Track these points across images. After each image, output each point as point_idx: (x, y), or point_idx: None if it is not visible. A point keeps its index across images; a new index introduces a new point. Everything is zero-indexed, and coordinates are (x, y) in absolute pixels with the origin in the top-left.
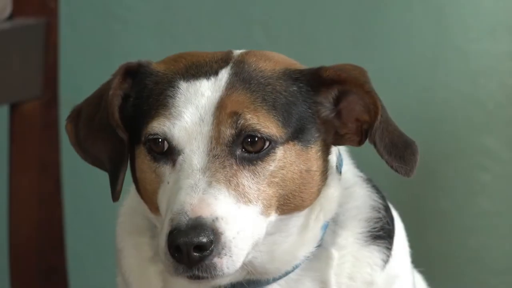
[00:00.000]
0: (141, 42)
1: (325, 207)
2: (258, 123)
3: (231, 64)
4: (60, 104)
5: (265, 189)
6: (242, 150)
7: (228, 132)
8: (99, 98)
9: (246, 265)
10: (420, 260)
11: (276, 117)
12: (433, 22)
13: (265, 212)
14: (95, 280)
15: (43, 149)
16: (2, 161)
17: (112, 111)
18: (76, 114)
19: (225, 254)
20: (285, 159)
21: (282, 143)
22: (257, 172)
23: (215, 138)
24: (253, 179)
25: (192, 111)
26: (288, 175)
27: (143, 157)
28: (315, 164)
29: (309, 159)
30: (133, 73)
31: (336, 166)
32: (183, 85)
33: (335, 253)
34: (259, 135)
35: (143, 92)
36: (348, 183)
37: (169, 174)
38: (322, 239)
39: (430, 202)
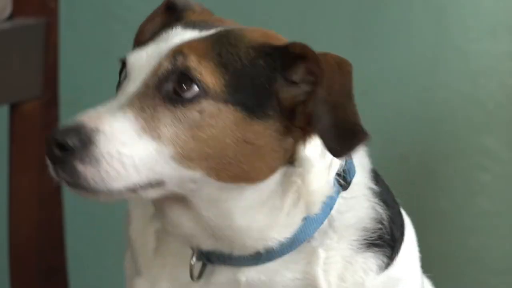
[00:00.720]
0: None
1: (305, 197)
2: (195, 66)
3: (226, 27)
4: (60, 104)
5: (186, 138)
6: (171, 88)
7: (165, 65)
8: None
9: (203, 225)
10: (420, 260)
11: (221, 75)
12: (433, 22)
13: (181, 161)
14: (95, 280)
15: (43, 149)
16: (2, 161)
17: (140, 37)
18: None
19: (90, 164)
20: (218, 118)
21: (216, 100)
22: (178, 116)
23: (155, 69)
24: (172, 121)
25: (160, 46)
26: (219, 137)
27: None
28: (262, 140)
29: (252, 132)
30: (172, 11)
31: (342, 173)
32: (177, 29)
33: (322, 252)
34: (188, 75)
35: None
36: (354, 194)
37: None
38: (312, 236)
39: (430, 202)
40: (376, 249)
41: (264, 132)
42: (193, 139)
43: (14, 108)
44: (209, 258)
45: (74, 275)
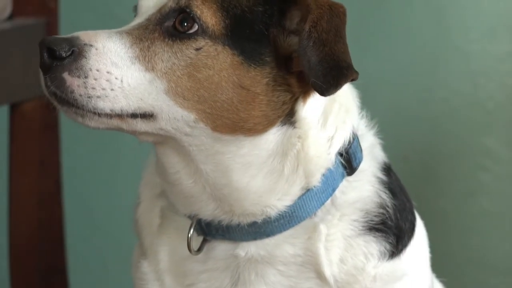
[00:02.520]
0: None
1: (303, 163)
2: (197, 6)
3: None
4: None
5: (181, 75)
6: (172, 25)
7: (169, 4)
8: None
9: (203, 183)
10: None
11: (222, 17)
12: (433, 22)
13: (174, 97)
14: (95, 280)
15: (43, 149)
16: (2, 161)
17: None
18: None
19: (78, 76)
20: (215, 60)
21: (214, 40)
22: (174, 50)
23: (160, 7)
24: (169, 56)
25: None
26: (214, 78)
27: None
28: (258, 87)
29: (248, 77)
30: None
31: (345, 152)
32: None
33: (323, 228)
34: (190, 14)
35: None
36: (360, 178)
37: None
38: (314, 213)
39: (430, 202)
40: (378, 234)
41: (261, 79)
42: (188, 77)
43: (14, 108)
44: (208, 231)
45: (74, 275)
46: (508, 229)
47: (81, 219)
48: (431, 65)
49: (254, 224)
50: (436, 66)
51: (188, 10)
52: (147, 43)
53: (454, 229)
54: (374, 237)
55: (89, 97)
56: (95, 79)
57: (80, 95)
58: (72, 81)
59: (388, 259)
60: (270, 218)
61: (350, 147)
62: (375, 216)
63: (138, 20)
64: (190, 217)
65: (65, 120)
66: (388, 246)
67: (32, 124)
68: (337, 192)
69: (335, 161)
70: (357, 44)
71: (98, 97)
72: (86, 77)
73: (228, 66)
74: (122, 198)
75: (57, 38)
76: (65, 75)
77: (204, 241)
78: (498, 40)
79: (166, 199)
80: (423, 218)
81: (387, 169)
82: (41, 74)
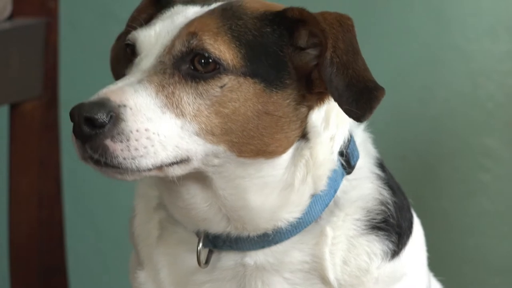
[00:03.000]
0: None
1: (312, 171)
2: (211, 44)
3: (227, 1)
4: (60, 104)
5: (209, 114)
6: (189, 66)
7: (179, 47)
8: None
9: (219, 205)
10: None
11: (237, 48)
12: (433, 22)
13: (204, 136)
14: (95, 280)
15: (43, 149)
16: (2, 161)
17: (126, 31)
18: (119, 37)
19: (121, 141)
20: (239, 92)
21: (236, 75)
22: (200, 92)
23: (168, 47)
24: (194, 97)
25: (166, 24)
26: (241, 110)
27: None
28: (281, 110)
29: (272, 103)
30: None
31: (345, 152)
32: (178, 7)
33: (329, 231)
34: (206, 55)
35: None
36: (358, 176)
37: None
38: (319, 216)
39: (430, 202)
40: (381, 232)
41: (283, 102)
42: (216, 114)
43: (14, 108)
44: (215, 243)
45: (74, 275)
46: (508, 229)
47: (81, 219)
48: (431, 65)
49: (264, 235)
50: (436, 66)
51: (203, 52)
52: (170, 89)
53: (454, 229)
54: (377, 236)
55: (133, 158)
56: (137, 140)
57: (124, 158)
58: (115, 147)
59: (390, 259)
60: (281, 229)
61: (348, 145)
62: (377, 214)
63: (147, 61)
64: (198, 232)
65: (65, 120)
66: (390, 245)
67: (32, 124)
68: (338, 192)
69: (337, 161)
70: None
71: (141, 156)
72: (128, 140)
73: (252, 96)
74: (122, 198)
75: (91, 104)
76: (108, 142)
77: (210, 252)
78: (498, 40)
79: (164, 211)
80: (423, 218)
81: (381, 165)
82: (74, 139)
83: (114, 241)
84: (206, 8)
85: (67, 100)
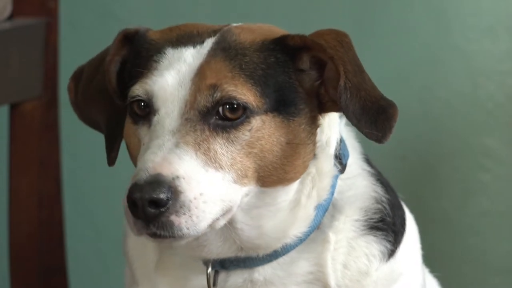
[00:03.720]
0: None
1: (317, 184)
2: (235, 90)
3: (217, 35)
4: (60, 104)
5: (241, 159)
6: (216, 117)
7: (203, 102)
8: (100, 60)
9: (234, 238)
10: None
11: (254, 87)
12: (433, 22)
13: (240, 181)
14: (95, 280)
15: (43, 149)
16: (2, 161)
17: (109, 78)
18: (79, 74)
19: (184, 213)
20: (263, 130)
21: (260, 114)
22: (231, 140)
23: (190, 102)
24: (227, 147)
25: (173, 74)
26: (267, 147)
27: (128, 121)
28: (298, 137)
29: (291, 132)
30: (131, 39)
31: (338, 154)
32: (169, 52)
33: (332, 236)
34: (235, 102)
35: (136, 59)
36: (351, 174)
37: (144, 136)
38: (320, 222)
39: (430, 202)
40: (378, 232)
41: (299, 128)
42: (247, 156)
43: (14, 108)
44: (223, 264)
45: (74, 275)
46: (508, 229)
47: (81, 219)
48: (431, 65)
49: (273, 252)
50: (436, 66)
51: (231, 101)
52: (205, 145)
53: (454, 229)
54: (375, 236)
55: (194, 226)
56: (196, 208)
57: (187, 228)
58: (180, 220)
59: (387, 259)
60: (289, 244)
61: (340, 145)
62: (374, 213)
63: (172, 120)
64: (206, 260)
65: (65, 120)
66: (388, 245)
67: (32, 124)
68: (335, 193)
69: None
70: (357, 44)
71: (201, 221)
72: (189, 210)
73: (274, 130)
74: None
75: (150, 186)
76: (173, 218)
77: (216, 273)
78: (498, 40)
79: None
80: (423, 218)
81: (368, 160)
82: (133, 220)
83: (114, 241)
84: (201, 49)
85: (67, 100)
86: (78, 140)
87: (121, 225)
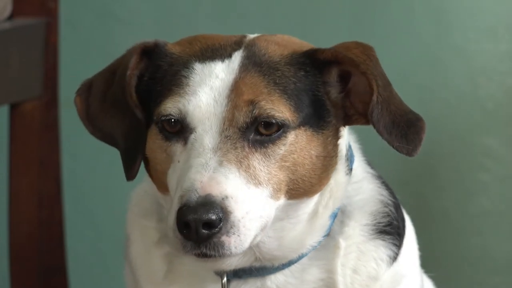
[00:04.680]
0: None
1: (334, 194)
2: (272, 108)
3: (243, 48)
4: (60, 104)
5: (276, 172)
6: (255, 133)
7: (242, 119)
8: (112, 73)
9: (254, 250)
10: (420, 260)
11: (288, 102)
12: (433, 22)
13: (275, 195)
14: (95, 280)
15: (43, 149)
16: (2, 161)
17: (130, 92)
18: (87, 88)
19: (234, 233)
20: (296, 143)
21: (294, 128)
22: (268, 155)
23: (229, 119)
24: (264, 162)
25: (207, 91)
26: (299, 160)
27: (154, 137)
28: (326, 150)
29: (320, 145)
30: (149, 52)
31: (347, 159)
32: (198, 66)
33: (342, 242)
34: (273, 121)
35: (157, 73)
36: (358, 178)
37: (180, 153)
38: (330, 228)
39: (430, 202)
40: (386, 236)
41: (326, 140)
42: (280, 170)
43: (14, 108)
44: (237, 273)
45: (74, 275)
46: (508, 229)
47: (81, 219)
48: (431, 65)
49: (287, 262)
50: (436, 66)
51: (269, 119)
52: (246, 162)
53: (454, 229)
54: (383, 240)
55: (241, 244)
56: (244, 227)
57: (235, 247)
58: (230, 240)
59: (392, 262)
60: (304, 253)
61: (348, 150)
62: (382, 217)
63: (212, 137)
64: (221, 272)
65: (65, 120)
66: (394, 249)
67: (32, 124)
68: (344, 199)
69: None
70: None
71: (247, 239)
72: (239, 230)
73: (305, 143)
74: (122, 198)
75: (203, 208)
76: (224, 238)
77: (228, 281)
78: (498, 40)
79: (168, 245)
80: (423, 218)
81: (369, 162)
82: (182, 240)
83: (114, 241)
84: (231, 63)
85: (67, 100)
86: (78, 140)
87: (121, 225)
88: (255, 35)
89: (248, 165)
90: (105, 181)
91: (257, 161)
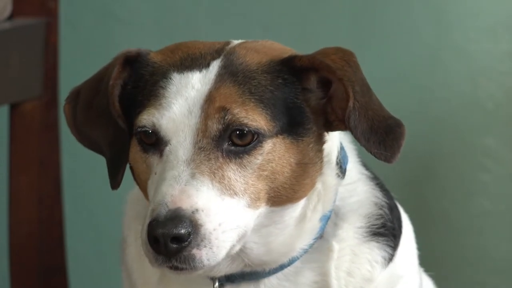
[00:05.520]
0: (141, 42)
1: (323, 197)
2: (246, 117)
3: (222, 57)
4: (60, 104)
5: (253, 182)
6: (229, 143)
7: (215, 126)
8: (98, 81)
9: (242, 257)
10: (420, 260)
11: (264, 111)
12: (433, 22)
13: (253, 204)
14: (95, 280)
15: (43, 149)
16: (2, 161)
17: (113, 101)
18: (75, 96)
19: (205, 246)
20: (274, 152)
21: (271, 137)
22: (244, 165)
23: (202, 131)
24: (240, 172)
25: (182, 102)
26: (277, 168)
27: (135, 148)
28: (307, 156)
29: (300, 152)
30: (132, 61)
31: (338, 161)
32: (176, 77)
33: (335, 245)
34: (246, 129)
35: (140, 82)
36: (352, 179)
37: (156, 165)
38: (323, 231)
39: (430, 202)
40: (380, 238)
41: (307, 147)
42: (258, 179)
43: (14, 108)
44: (229, 278)
45: (74, 275)
46: (508, 229)
47: (81, 219)
48: (431, 65)
49: (279, 266)
50: (436, 66)
51: (241, 128)
52: (220, 173)
53: (454, 229)
54: (377, 242)
55: (214, 256)
56: (216, 239)
57: (208, 260)
58: (201, 253)
59: (388, 263)
60: (295, 257)
61: (340, 152)
62: (376, 219)
63: (186, 149)
64: (212, 277)
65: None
66: (389, 250)
67: (32, 124)
68: (337, 201)
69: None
70: (357, 44)
71: (221, 250)
72: (210, 242)
73: (284, 152)
74: (122, 198)
75: (171, 222)
76: (194, 251)
77: (221, 286)
78: (498, 40)
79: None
80: (423, 218)
81: (364, 163)
82: (154, 254)
83: (114, 241)
84: (208, 73)
85: None
86: None
87: (120, 225)
88: (238, 41)
89: (223, 176)
90: (105, 181)
91: (232, 171)
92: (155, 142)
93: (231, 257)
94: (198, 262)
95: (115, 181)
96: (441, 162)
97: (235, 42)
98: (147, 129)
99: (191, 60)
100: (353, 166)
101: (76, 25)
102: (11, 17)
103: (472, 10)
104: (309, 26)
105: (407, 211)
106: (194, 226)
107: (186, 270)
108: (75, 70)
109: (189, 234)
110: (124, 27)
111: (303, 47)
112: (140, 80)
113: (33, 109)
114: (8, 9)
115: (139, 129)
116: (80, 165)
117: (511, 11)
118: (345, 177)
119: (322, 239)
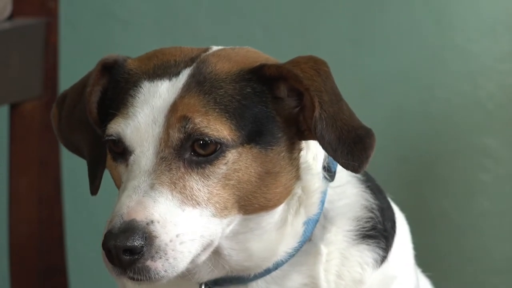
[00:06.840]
0: (141, 42)
1: (304, 201)
2: (207, 127)
3: (193, 65)
4: None
5: (218, 192)
6: (191, 153)
7: (176, 136)
8: (82, 87)
9: (222, 264)
10: (420, 260)
11: (228, 120)
12: (433, 22)
13: (219, 214)
14: (95, 280)
15: (43, 149)
16: (2, 161)
17: (90, 109)
18: (62, 100)
19: (160, 258)
20: (240, 162)
21: (235, 146)
22: (207, 175)
23: (164, 140)
24: (203, 182)
25: (147, 112)
26: (244, 178)
27: (108, 155)
28: (278, 165)
29: (269, 161)
30: (110, 68)
31: (326, 165)
32: (145, 85)
33: (323, 248)
34: (207, 139)
35: (116, 89)
36: (341, 182)
37: (123, 174)
38: (312, 234)
39: (430, 202)
40: (370, 240)
41: (278, 156)
42: (224, 188)
43: (14, 108)
44: (217, 282)
45: (74, 275)
46: (508, 229)
47: (81, 219)
48: (431, 65)
49: (264, 270)
50: (436, 66)
51: (202, 137)
52: (181, 183)
53: (454, 229)
54: (367, 245)
55: (172, 267)
56: (173, 250)
57: (165, 271)
58: (157, 265)
59: (380, 265)
60: (280, 260)
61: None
62: (366, 221)
63: (147, 159)
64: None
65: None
66: (380, 252)
67: (32, 124)
68: (326, 203)
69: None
70: (357, 44)
71: (179, 262)
72: (166, 254)
73: (251, 161)
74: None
75: (123, 234)
76: (149, 263)
77: None
78: (498, 40)
79: None
80: (423, 218)
81: None
82: (110, 266)
83: None
84: (176, 82)
85: None
86: None
87: None
88: (217, 48)
89: (184, 186)
90: (105, 181)
91: (194, 181)
92: (122, 151)
93: (210, 263)
94: (153, 273)
95: (93, 186)
96: (441, 162)
97: (214, 48)
98: (114, 138)
99: (164, 69)
100: (343, 169)
101: (76, 25)
102: (11, 17)
103: (472, 10)
104: (309, 26)
105: (407, 211)
106: (148, 238)
107: (144, 281)
108: (75, 70)
109: (142, 246)
110: (124, 27)
111: (303, 47)
112: (117, 87)
113: (33, 109)
114: (8, 9)
115: (107, 138)
116: (80, 165)
117: (511, 11)
118: (334, 180)
119: (311, 242)
